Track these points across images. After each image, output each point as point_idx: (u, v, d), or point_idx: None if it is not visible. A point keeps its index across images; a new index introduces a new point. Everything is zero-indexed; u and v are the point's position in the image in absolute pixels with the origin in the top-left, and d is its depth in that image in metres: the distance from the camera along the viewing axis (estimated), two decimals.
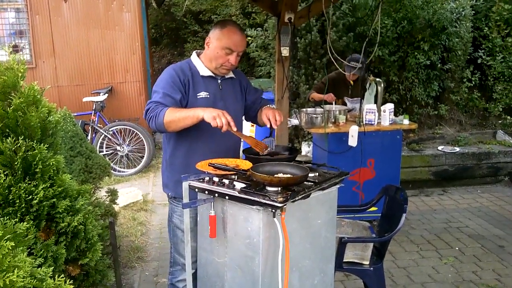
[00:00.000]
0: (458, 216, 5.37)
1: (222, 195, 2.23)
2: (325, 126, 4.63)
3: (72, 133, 4.00)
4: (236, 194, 2.17)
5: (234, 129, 2.43)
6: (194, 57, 2.79)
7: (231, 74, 2.85)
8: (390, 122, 4.76)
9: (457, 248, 4.51)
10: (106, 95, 7.01)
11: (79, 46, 7.14)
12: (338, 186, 2.51)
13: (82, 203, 2.91)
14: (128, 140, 6.95)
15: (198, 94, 2.69)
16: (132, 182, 6.57)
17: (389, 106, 4.78)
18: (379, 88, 4.91)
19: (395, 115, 5.02)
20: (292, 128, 6.33)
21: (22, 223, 1.86)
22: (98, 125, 6.88)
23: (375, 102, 4.92)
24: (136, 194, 5.65)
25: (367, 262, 3.11)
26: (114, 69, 7.28)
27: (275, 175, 2.30)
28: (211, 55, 2.69)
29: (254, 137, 2.77)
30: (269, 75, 8.09)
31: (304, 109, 4.93)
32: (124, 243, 4.59)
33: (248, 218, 2.20)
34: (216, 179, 2.32)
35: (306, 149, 6.31)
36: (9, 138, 2.68)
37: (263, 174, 2.26)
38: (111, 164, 6.79)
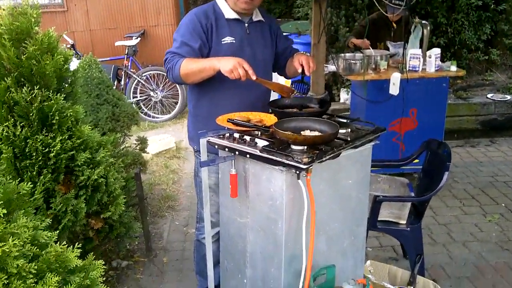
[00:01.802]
0: (506, 169, 5.01)
1: (243, 153, 2.04)
2: (365, 73, 4.31)
3: (98, 80, 3.87)
4: (258, 153, 1.98)
5: (253, 77, 2.22)
6: None
7: (259, 17, 2.59)
8: (436, 68, 4.39)
9: (503, 205, 4.22)
10: (139, 39, 6.82)
11: None
12: (373, 143, 2.27)
13: (103, 155, 2.80)
14: (162, 85, 6.81)
15: (222, 40, 2.46)
16: (166, 129, 6.48)
17: (436, 51, 4.39)
18: (425, 31, 4.50)
19: (442, 60, 4.62)
20: (330, 74, 6.00)
21: (25, 183, 1.73)
22: (131, 70, 6.75)
23: (420, 46, 4.52)
24: (169, 141, 5.56)
25: (404, 222, 2.91)
26: (146, 12, 7.04)
27: (301, 132, 2.09)
28: None
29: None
30: (307, 17, 7.66)
31: (342, 55, 4.59)
32: (155, 191, 4.54)
33: (270, 178, 2.01)
34: (237, 135, 2.13)
35: (344, 96, 6.01)
36: (24, 87, 2.56)
37: (287, 131, 2.06)
38: (145, 110, 6.74)
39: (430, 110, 4.46)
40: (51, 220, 2.56)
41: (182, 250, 3.57)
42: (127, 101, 4.13)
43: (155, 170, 4.97)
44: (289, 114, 2.31)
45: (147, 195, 4.39)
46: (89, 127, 2.75)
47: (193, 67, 2.32)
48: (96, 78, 3.86)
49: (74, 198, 2.66)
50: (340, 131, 2.18)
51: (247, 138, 2.09)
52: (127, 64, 6.73)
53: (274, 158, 1.92)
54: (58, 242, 1.67)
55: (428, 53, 4.40)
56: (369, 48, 4.79)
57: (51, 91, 2.60)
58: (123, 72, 6.72)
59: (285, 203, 1.98)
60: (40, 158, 2.54)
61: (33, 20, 2.59)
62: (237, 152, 2.06)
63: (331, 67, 4.78)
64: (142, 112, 6.74)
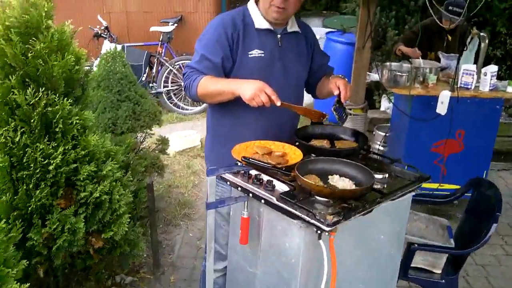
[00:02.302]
0: None
1: (257, 197, 1.74)
2: (411, 87, 3.90)
3: (120, 75, 3.63)
4: (274, 201, 1.67)
5: (278, 103, 1.94)
6: (251, 3, 2.22)
7: (295, 27, 2.27)
8: (491, 88, 3.93)
9: None
10: (175, 25, 6.54)
11: None
12: (414, 193, 1.93)
13: (110, 168, 2.54)
14: None
15: (249, 53, 2.15)
16: (195, 122, 6.22)
17: (492, 69, 3.93)
18: (482, 44, 4.05)
19: (498, 78, 4.16)
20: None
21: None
22: (164, 57, 6.49)
23: (475, 62, 4.08)
24: (194, 138, 5.30)
25: (439, 271, 2.56)
26: None
27: (329, 177, 1.77)
28: None
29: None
30: (354, 12, 7.22)
31: (388, 64, 4.19)
32: (173, 194, 4.30)
33: (287, 231, 1.71)
34: (253, 172, 1.82)
35: (386, 104, 5.59)
36: (29, 89, 2.32)
37: (312, 173, 1.75)
38: (175, 100, 6.50)
39: (479, 133, 4.02)
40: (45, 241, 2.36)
41: (192, 268, 3.31)
42: (150, 98, 3.86)
43: (176, 170, 4.73)
44: (317, 150, 1.98)
45: (163, 199, 4.15)
46: (97, 136, 2.48)
47: (211, 88, 2.05)
48: (119, 72, 3.61)
49: (73, 215, 2.41)
50: (376, 176, 1.85)
51: (265, 178, 1.79)
52: (160, 51, 6.47)
53: (293, 211, 1.61)
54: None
55: (483, 70, 3.95)
56: (419, 58, 4.37)
57: (57, 94, 2.35)
58: (155, 60, 6.47)
59: (302, 263, 1.68)
60: (38, 170, 2.30)
61: (44, 13, 2.33)
62: (250, 194, 1.76)
63: (374, 76, 4.40)
64: (172, 103, 6.50)
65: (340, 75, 2.21)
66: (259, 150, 1.94)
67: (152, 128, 3.85)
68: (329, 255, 1.59)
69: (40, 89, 2.29)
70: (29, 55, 2.26)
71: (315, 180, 1.73)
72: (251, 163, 1.78)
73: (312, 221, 1.55)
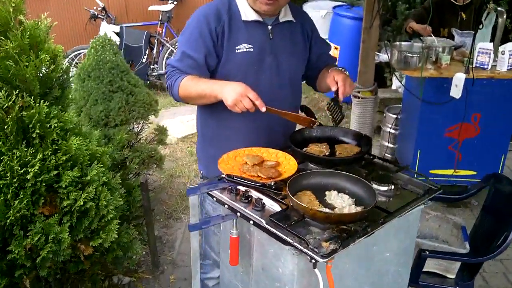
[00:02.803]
0: None
1: (245, 218, 1.55)
2: (422, 68, 3.64)
3: (111, 64, 3.41)
4: (263, 223, 1.48)
5: (263, 109, 1.74)
6: None
7: (288, 17, 2.03)
8: (509, 67, 3.66)
9: None
10: (175, 3, 6.26)
11: None
12: (423, 206, 1.72)
13: (95, 172, 2.36)
14: None
15: (237, 48, 1.93)
16: None
17: (510, 47, 3.65)
18: (499, 20, 3.76)
19: None
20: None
21: None
22: (165, 38, 6.24)
23: (492, 39, 3.79)
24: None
25: (453, 276, 2.37)
26: None
27: (326, 193, 1.57)
28: None
29: None
30: None
31: (397, 43, 3.91)
32: (175, 185, 4.14)
33: (279, 255, 1.52)
34: (242, 187, 1.63)
35: (397, 83, 5.31)
36: (2, 92, 2.13)
37: (306, 190, 1.55)
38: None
39: (497, 116, 3.76)
40: (29, 251, 2.21)
41: None
42: (144, 88, 3.65)
43: (178, 158, 4.55)
44: (314, 159, 1.78)
45: (164, 190, 3.99)
46: (79, 139, 2.29)
47: (193, 91, 1.87)
48: (110, 61, 3.40)
49: (57, 223, 2.25)
50: (380, 188, 1.66)
51: (254, 195, 1.60)
52: (160, 31, 6.22)
53: (283, 237, 1.42)
54: None
55: (501, 48, 3.67)
56: (431, 36, 4.08)
57: (33, 96, 2.16)
58: (155, 40, 6.23)
59: None
60: (16, 179, 2.13)
61: (11, 9, 2.12)
62: (238, 214, 1.57)
63: (383, 56, 4.14)
64: None
65: (341, 68, 1.99)
66: (249, 160, 1.74)
67: (150, 117, 3.65)
68: (326, 285, 1.41)
69: (14, 91, 2.11)
70: None
71: (309, 198, 1.53)
72: (235, 182, 1.58)
73: (306, 250, 1.36)
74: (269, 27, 1.97)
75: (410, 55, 3.65)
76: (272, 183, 1.58)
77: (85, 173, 2.34)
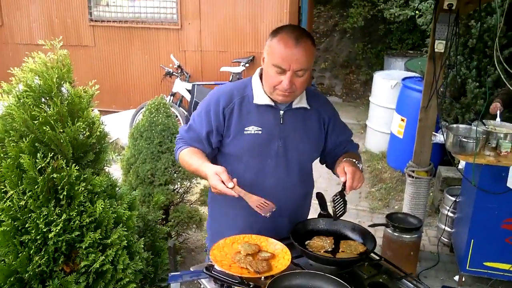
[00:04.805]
0: None
1: None
2: (475, 155, 3.44)
3: (163, 126, 3.58)
4: None
5: (233, 193, 1.74)
6: (255, 77, 2.04)
7: (302, 103, 2.03)
8: None
9: None
10: (247, 65, 6.48)
11: (225, 10, 6.64)
12: None
13: (116, 236, 2.45)
14: None
15: (246, 129, 1.97)
16: None
17: None
18: None
19: None
20: None
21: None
22: None
23: None
24: None
25: None
26: (259, 36, 6.64)
27: None
28: (264, 75, 1.95)
29: None
30: None
31: (454, 126, 3.75)
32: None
33: None
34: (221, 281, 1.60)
35: (463, 163, 5.03)
36: (39, 153, 2.30)
37: None
38: None
39: None
40: None
41: None
42: None
43: None
44: (311, 258, 1.71)
45: (201, 253, 4.00)
46: (107, 202, 2.40)
47: (188, 164, 1.99)
48: (162, 124, 3.56)
49: (75, 282, 2.34)
50: None
51: None
52: None
53: None
54: None
55: None
56: (496, 114, 3.87)
57: (66, 160, 2.31)
58: None
59: None
60: (40, 236, 2.26)
61: (55, 78, 2.30)
62: None
63: (440, 138, 3.94)
64: None
65: (354, 160, 1.93)
66: (244, 249, 1.72)
67: (191, 181, 3.74)
68: None
69: (50, 153, 2.27)
70: (36, 121, 2.24)
71: None
72: (213, 276, 1.56)
73: None
74: (281, 112, 1.99)
75: (466, 139, 3.47)
76: (251, 285, 1.53)
77: (107, 235, 2.43)
